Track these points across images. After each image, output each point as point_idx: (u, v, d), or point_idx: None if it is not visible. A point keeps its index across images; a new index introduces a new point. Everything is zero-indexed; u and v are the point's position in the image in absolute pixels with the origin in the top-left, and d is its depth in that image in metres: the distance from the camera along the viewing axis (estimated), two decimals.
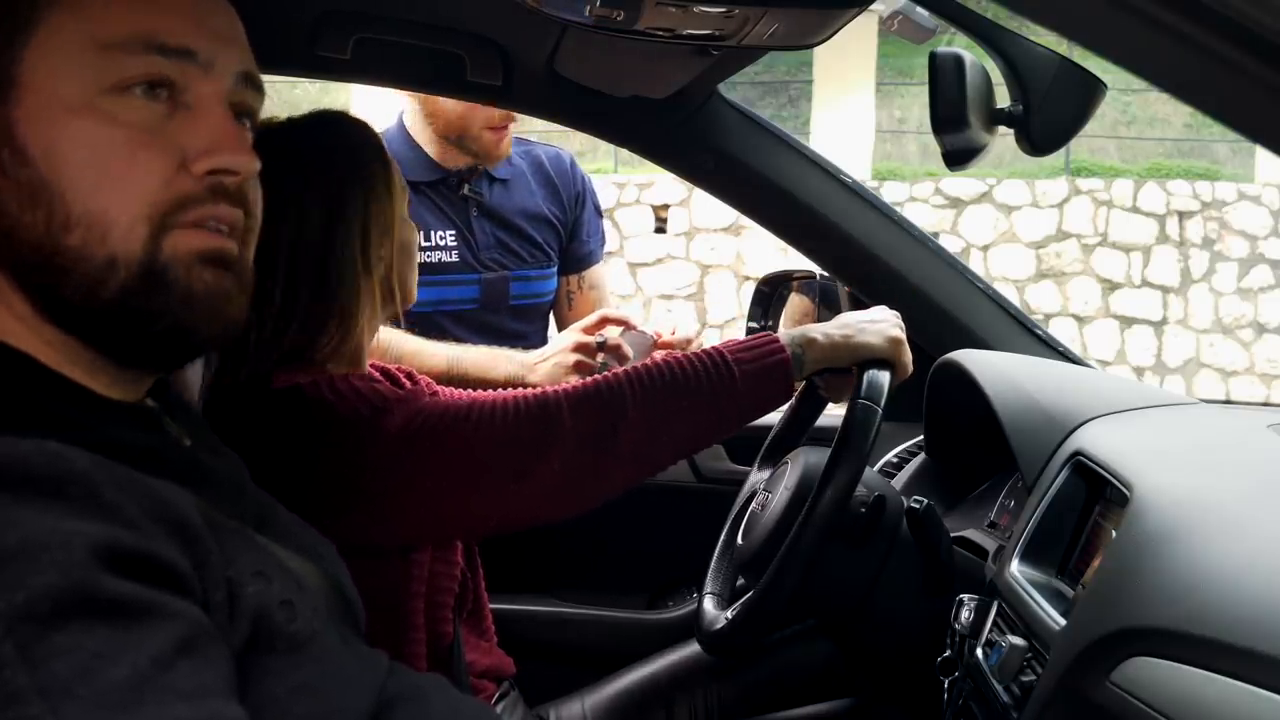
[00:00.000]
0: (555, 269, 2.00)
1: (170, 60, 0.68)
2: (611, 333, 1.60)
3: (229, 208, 0.71)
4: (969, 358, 1.34)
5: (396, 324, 1.27)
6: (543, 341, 1.93)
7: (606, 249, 2.10)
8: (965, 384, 1.29)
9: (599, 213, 2.06)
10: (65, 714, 0.49)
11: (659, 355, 1.13)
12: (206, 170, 0.69)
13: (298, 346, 1.08)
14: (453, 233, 1.87)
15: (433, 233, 1.86)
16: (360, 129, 1.15)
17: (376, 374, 1.18)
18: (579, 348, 1.60)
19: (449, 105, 1.85)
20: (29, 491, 0.56)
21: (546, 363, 1.60)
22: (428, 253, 1.85)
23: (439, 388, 1.26)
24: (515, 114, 1.82)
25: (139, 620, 0.54)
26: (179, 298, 0.68)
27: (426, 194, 1.88)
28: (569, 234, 2.00)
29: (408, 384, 1.22)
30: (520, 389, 1.12)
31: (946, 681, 1.09)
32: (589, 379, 1.10)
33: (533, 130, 3.99)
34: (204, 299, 0.69)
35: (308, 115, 1.14)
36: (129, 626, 0.53)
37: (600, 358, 1.62)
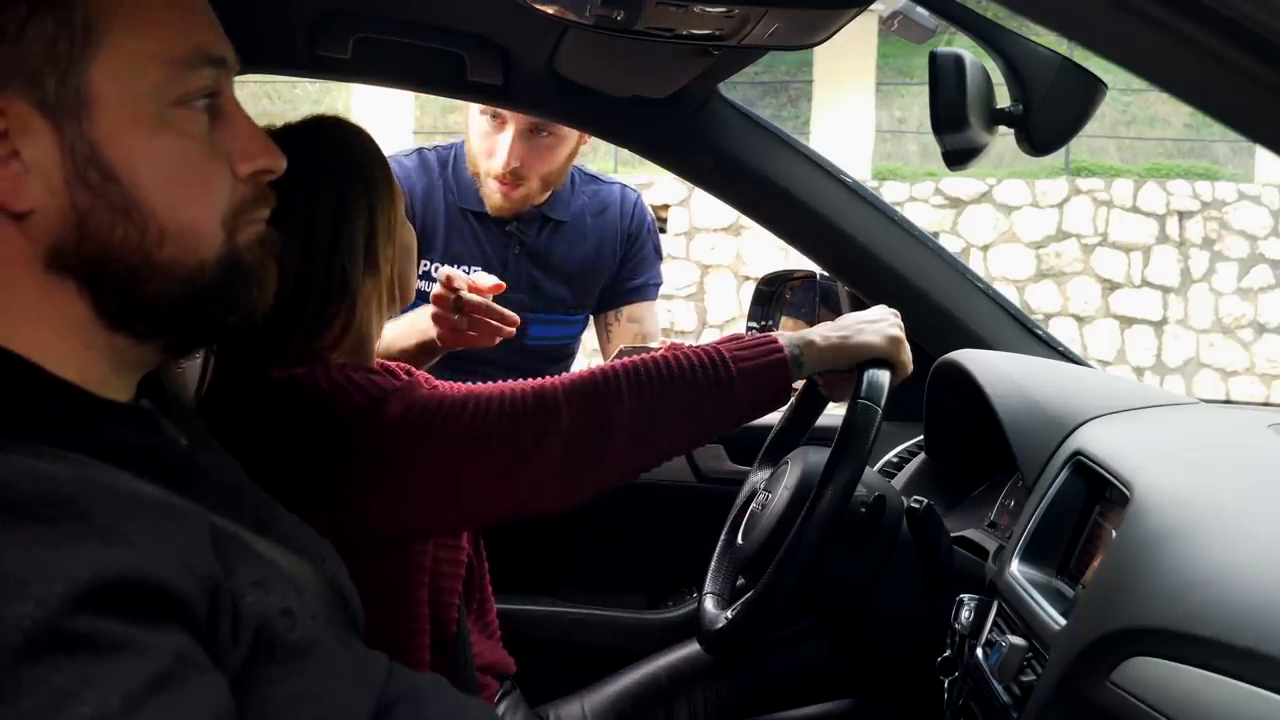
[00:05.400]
0: (585, 316, 1.96)
1: (217, 70, 0.71)
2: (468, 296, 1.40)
3: (268, 205, 0.77)
4: (969, 358, 1.34)
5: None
6: None
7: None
8: (965, 384, 1.29)
9: (658, 253, 2.02)
10: None
11: (658, 351, 1.13)
12: (251, 173, 0.74)
13: (302, 341, 1.09)
14: (479, 269, 1.80)
15: (460, 268, 1.79)
16: (358, 134, 1.15)
17: (375, 367, 1.18)
18: (436, 299, 1.44)
19: (472, 140, 1.82)
20: (14, 517, 0.54)
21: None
22: None
23: (438, 382, 1.26)
24: (555, 179, 1.80)
25: (111, 656, 0.53)
26: (252, 281, 0.74)
27: (471, 223, 1.86)
28: (614, 271, 1.96)
29: (405, 377, 1.23)
30: (517, 380, 1.12)
31: (946, 681, 1.09)
32: (586, 370, 1.10)
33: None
34: (266, 281, 0.76)
35: (306, 120, 1.14)
36: (101, 663, 0.52)
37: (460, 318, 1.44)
